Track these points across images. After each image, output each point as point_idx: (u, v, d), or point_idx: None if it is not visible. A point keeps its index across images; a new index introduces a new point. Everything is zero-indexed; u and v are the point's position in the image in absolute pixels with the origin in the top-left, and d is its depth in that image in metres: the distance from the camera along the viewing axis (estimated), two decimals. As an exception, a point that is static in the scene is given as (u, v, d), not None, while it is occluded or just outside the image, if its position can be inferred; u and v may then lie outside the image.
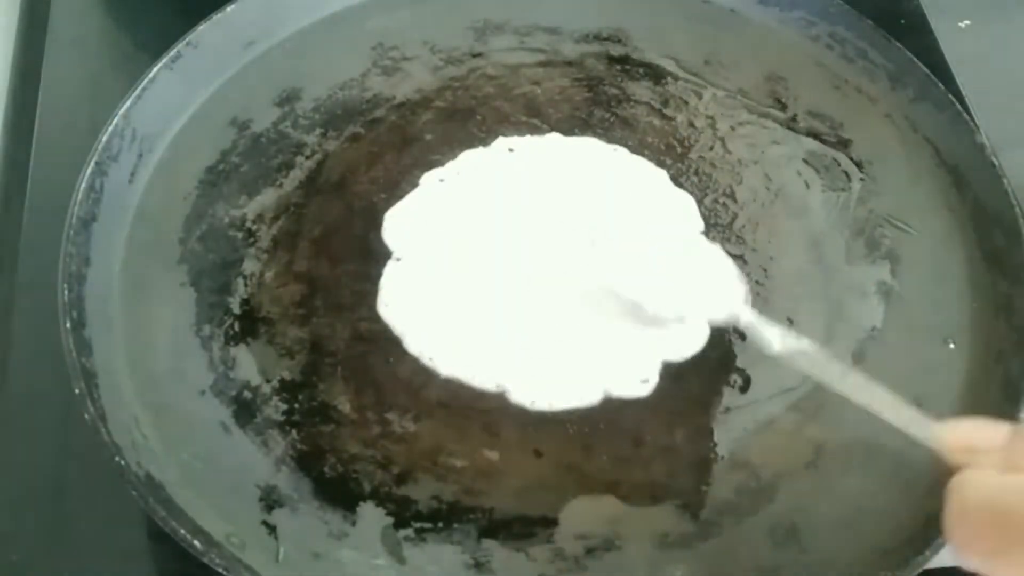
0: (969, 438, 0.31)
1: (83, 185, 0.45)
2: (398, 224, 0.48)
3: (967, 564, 0.28)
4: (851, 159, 0.52)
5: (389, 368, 0.44)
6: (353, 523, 0.40)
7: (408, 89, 0.54)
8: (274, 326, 0.45)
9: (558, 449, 0.42)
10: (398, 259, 0.46)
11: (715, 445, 0.43)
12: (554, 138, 0.52)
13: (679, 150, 0.52)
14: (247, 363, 0.44)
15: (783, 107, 0.54)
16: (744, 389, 0.44)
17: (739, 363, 0.45)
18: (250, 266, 0.47)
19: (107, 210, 0.46)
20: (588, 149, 0.52)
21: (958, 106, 0.52)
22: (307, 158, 0.51)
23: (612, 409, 0.43)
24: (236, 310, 0.45)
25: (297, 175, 0.50)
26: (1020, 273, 0.47)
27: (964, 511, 0.28)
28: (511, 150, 0.51)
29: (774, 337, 0.40)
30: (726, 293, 0.43)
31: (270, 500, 0.40)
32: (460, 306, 0.45)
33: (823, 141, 0.53)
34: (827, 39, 0.56)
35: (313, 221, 0.48)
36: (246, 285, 0.46)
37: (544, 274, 0.46)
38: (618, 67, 0.55)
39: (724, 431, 0.43)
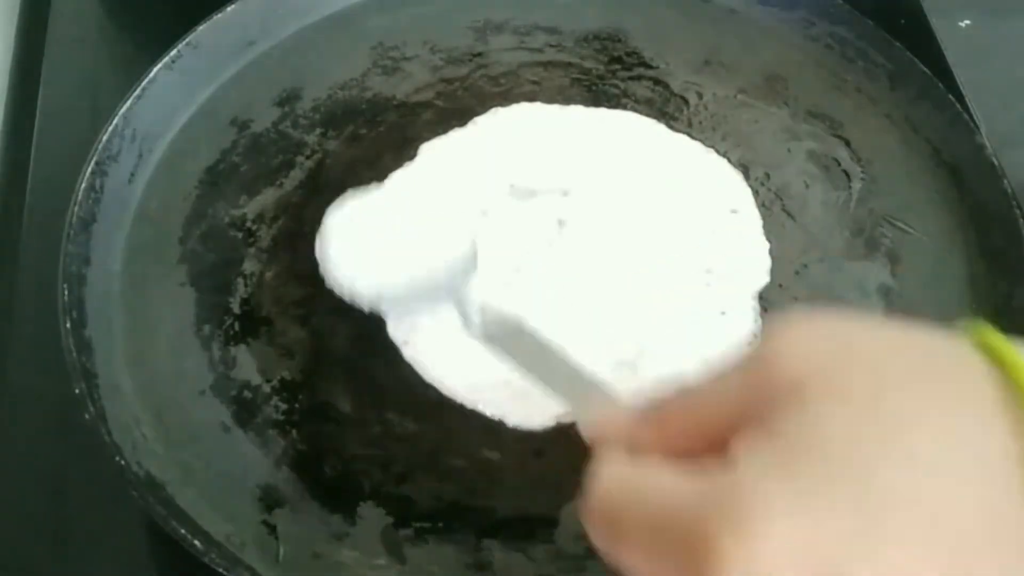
0: (600, 425, 0.29)
1: (83, 185, 0.45)
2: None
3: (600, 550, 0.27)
4: (851, 159, 0.52)
5: (389, 368, 0.44)
6: (353, 523, 0.40)
7: (408, 89, 0.54)
8: (274, 326, 0.45)
9: (558, 449, 0.42)
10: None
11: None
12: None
13: (679, 150, 0.52)
14: (247, 363, 0.44)
15: (783, 107, 0.54)
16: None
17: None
18: (250, 266, 0.47)
19: (107, 210, 0.46)
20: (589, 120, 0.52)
21: (958, 106, 0.52)
22: (307, 158, 0.51)
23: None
24: (236, 310, 0.45)
25: (297, 175, 0.50)
26: (1020, 273, 0.46)
27: (586, 500, 0.27)
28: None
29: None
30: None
31: (270, 500, 0.40)
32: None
33: (823, 141, 0.53)
34: (827, 39, 0.56)
35: (313, 221, 0.48)
36: (246, 285, 0.46)
37: (545, 286, 0.46)
38: (618, 67, 0.55)
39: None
